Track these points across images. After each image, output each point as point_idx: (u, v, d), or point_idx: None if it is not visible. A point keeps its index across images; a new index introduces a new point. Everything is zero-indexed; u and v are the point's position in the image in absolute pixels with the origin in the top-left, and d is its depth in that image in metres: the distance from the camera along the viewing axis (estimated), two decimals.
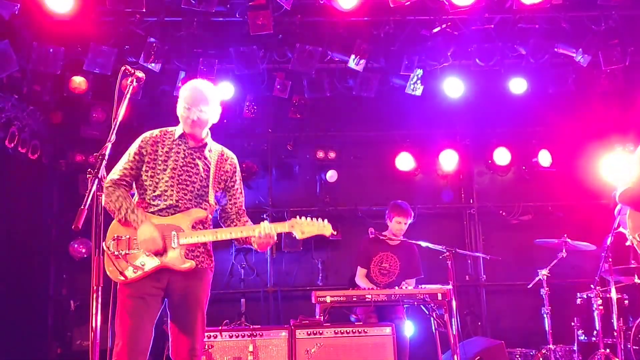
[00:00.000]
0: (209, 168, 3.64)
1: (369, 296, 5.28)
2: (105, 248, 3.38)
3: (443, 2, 5.78)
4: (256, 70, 6.85)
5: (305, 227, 3.60)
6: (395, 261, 6.08)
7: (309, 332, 5.07)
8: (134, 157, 3.57)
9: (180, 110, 3.59)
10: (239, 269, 7.99)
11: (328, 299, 5.24)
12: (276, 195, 8.19)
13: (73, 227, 2.58)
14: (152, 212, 3.51)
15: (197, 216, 3.54)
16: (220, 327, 5.06)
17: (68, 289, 7.71)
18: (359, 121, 8.23)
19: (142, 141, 3.62)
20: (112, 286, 3.29)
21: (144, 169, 3.54)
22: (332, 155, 8.01)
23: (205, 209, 3.59)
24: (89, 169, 2.79)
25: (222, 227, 3.75)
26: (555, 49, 6.72)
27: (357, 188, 8.14)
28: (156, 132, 3.67)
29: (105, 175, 3.12)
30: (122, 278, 3.36)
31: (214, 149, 3.74)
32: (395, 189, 8.05)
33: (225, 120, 6.72)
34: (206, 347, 4.87)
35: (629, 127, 7.86)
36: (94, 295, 2.63)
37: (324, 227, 3.64)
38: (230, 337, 5.02)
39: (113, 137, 2.95)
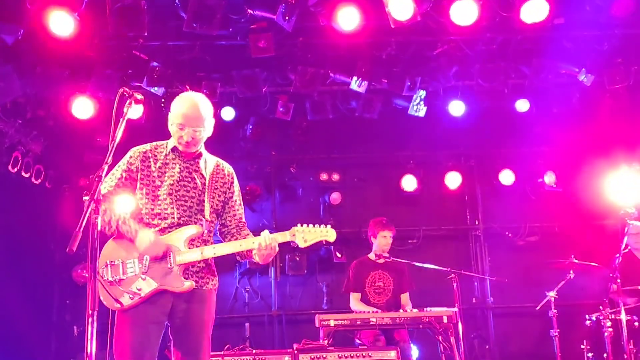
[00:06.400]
0: (205, 181, 3.46)
1: (373, 319, 5.22)
2: (99, 276, 3.21)
3: (445, 23, 5.77)
4: (259, 93, 6.86)
5: (307, 235, 3.44)
6: (388, 278, 6.07)
7: (312, 357, 4.98)
8: (121, 174, 3.40)
9: (173, 128, 3.42)
10: (243, 293, 7.92)
11: (332, 323, 5.19)
12: (280, 217, 8.14)
13: (67, 249, 2.55)
14: None
15: (192, 233, 3.34)
16: (222, 352, 4.98)
17: (71, 314, 7.65)
18: (362, 143, 8.21)
19: (130, 156, 3.46)
20: (110, 313, 3.20)
21: (138, 186, 3.38)
22: (335, 177, 8.00)
23: (202, 225, 3.38)
24: (85, 191, 2.77)
25: (222, 242, 3.57)
26: (559, 69, 6.69)
27: (361, 210, 8.06)
28: (147, 146, 3.52)
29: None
30: (118, 306, 3.20)
31: (209, 161, 3.56)
32: (400, 211, 7.98)
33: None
34: None
35: (634, 145, 7.79)
36: (89, 320, 2.56)
37: (327, 233, 3.49)
38: None
39: (110, 159, 2.92)
